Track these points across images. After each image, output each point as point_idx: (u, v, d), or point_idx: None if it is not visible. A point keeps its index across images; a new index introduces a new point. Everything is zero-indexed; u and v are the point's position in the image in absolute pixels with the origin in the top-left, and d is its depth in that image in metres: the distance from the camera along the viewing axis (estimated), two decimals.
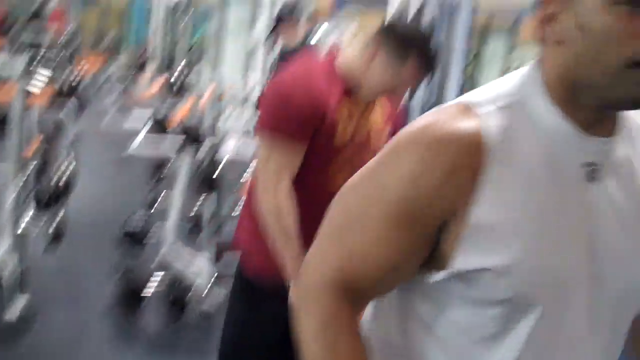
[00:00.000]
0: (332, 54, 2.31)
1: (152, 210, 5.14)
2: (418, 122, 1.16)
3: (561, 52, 1.12)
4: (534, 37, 1.15)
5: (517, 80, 1.19)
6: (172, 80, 6.00)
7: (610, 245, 1.16)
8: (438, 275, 1.16)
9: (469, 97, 1.18)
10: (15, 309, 3.59)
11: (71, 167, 4.69)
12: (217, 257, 4.30)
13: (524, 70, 1.20)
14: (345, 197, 1.23)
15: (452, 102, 1.18)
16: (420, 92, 7.24)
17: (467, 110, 1.13)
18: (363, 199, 1.18)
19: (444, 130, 1.11)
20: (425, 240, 1.15)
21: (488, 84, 1.22)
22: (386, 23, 2.24)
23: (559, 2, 1.10)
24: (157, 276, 4.18)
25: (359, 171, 1.23)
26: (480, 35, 9.11)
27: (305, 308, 1.22)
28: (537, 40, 1.15)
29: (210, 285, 4.12)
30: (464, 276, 1.12)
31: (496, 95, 1.16)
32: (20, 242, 3.83)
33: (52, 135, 4.74)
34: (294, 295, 1.32)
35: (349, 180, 1.24)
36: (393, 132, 2.08)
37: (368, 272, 1.18)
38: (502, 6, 8.20)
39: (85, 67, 9.88)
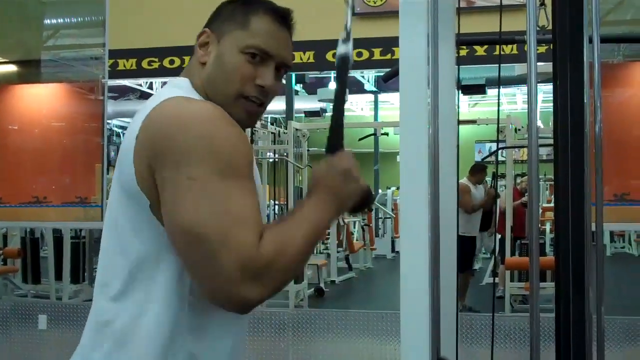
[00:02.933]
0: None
1: None
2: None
3: (203, 72, 1.62)
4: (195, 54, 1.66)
5: (183, 86, 1.62)
6: None
7: None
8: None
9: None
10: None
11: None
12: None
13: (178, 80, 1.65)
14: None
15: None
16: None
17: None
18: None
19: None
20: None
21: (162, 92, 1.60)
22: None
23: (212, 35, 1.63)
24: None
25: None
26: None
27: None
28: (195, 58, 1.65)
29: None
30: None
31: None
32: None
33: None
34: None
35: None
36: None
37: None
38: None
39: None
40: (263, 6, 1.64)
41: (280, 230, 1.45)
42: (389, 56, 6.42)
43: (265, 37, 1.61)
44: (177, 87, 1.62)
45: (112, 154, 18.55)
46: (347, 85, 1.67)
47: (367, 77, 17.78)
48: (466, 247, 8.18)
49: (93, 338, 1.57)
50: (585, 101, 1.75)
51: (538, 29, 1.85)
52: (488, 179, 10.53)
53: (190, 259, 1.42)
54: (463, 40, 2.34)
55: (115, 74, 6.61)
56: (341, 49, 1.68)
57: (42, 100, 6.27)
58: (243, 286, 1.36)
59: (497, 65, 2.57)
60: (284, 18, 1.65)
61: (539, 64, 1.76)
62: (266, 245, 1.39)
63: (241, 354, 1.66)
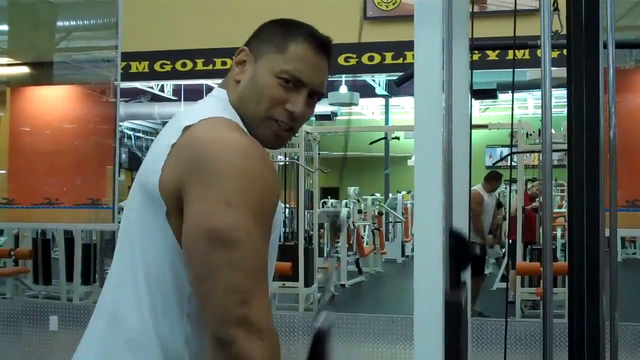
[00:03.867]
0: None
1: None
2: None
3: (236, 89, 1.65)
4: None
5: (221, 98, 1.66)
6: None
7: None
8: None
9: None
10: None
11: None
12: None
13: (217, 91, 1.68)
14: None
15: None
16: None
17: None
18: None
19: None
20: None
21: (202, 104, 1.66)
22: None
23: (249, 55, 1.66)
24: None
25: None
26: None
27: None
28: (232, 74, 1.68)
29: None
30: None
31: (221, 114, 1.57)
32: None
33: None
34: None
35: None
36: None
37: None
38: None
39: None
40: (303, 32, 1.66)
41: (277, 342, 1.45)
42: (400, 60, 6.43)
43: (301, 64, 1.63)
44: (216, 98, 1.66)
45: (124, 156, 18.65)
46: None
47: (378, 81, 17.78)
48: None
49: (103, 339, 1.57)
50: (600, 106, 1.75)
51: (552, 34, 1.84)
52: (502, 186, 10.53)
53: (207, 264, 1.41)
54: (477, 45, 2.34)
55: (127, 76, 6.64)
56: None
57: (54, 102, 6.29)
58: (244, 321, 1.37)
59: (508, 70, 2.56)
60: (322, 46, 1.67)
61: (552, 69, 1.76)
62: (273, 325, 1.42)
63: None
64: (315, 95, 1.68)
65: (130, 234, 1.57)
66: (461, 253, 1.69)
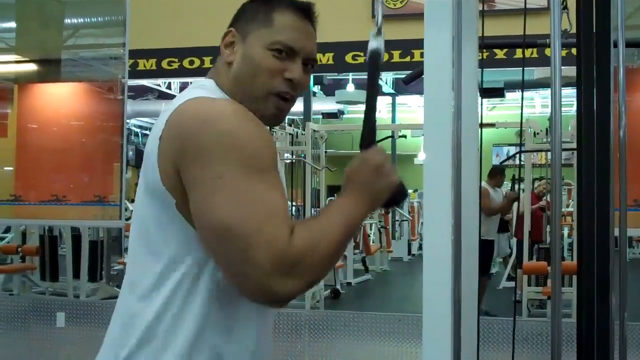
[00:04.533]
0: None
1: None
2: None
3: (229, 71, 1.64)
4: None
5: (208, 87, 1.63)
6: None
7: None
8: None
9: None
10: None
11: None
12: None
13: (203, 81, 1.68)
14: None
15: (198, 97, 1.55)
16: None
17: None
18: None
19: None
20: None
21: (186, 92, 1.61)
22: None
23: (237, 35, 1.65)
24: None
25: None
26: None
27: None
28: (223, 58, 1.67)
29: None
30: None
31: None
32: None
33: None
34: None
35: None
36: None
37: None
38: None
39: None
40: (285, 2, 1.67)
41: (313, 225, 1.46)
42: (408, 58, 6.42)
43: (290, 33, 1.63)
44: (201, 88, 1.64)
45: (131, 153, 18.67)
46: (378, 82, 1.68)
47: (385, 79, 17.76)
48: (484, 251, 8.16)
49: (120, 335, 1.57)
50: (611, 106, 1.74)
51: (561, 32, 1.84)
52: (507, 183, 10.50)
53: (223, 255, 1.43)
54: (486, 44, 2.33)
55: (135, 73, 6.64)
56: (372, 43, 1.70)
57: (61, 99, 6.30)
58: (277, 280, 1.37)
59: (515, 68, 2.56)
60: (306, 12, 1.68)
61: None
62: (298, 239, 1.40)
63: (266, 353, 1.66)
64: (309, 64, 1.69)
65: (144, 232, 1.57)
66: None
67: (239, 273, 1.41)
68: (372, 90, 1.67)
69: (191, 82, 1.75)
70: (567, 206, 11.85)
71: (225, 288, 1.51)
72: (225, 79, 1.66)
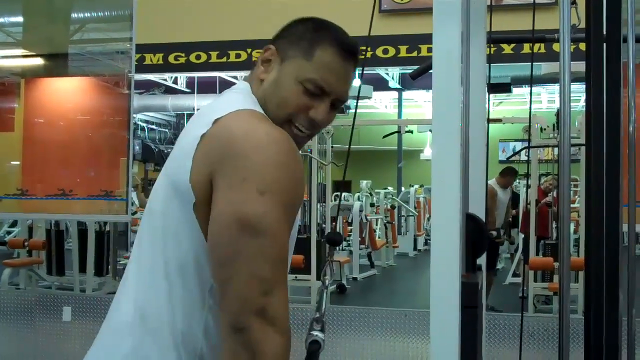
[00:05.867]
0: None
1: None
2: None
3: (260, 87, 1.65)
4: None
5: (244, 91, 1.65)
6: None
7: None
8: None
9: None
10: None
11: None
12: None
13: (242, 85, 1.68)
14: None
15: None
16: None
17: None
18: None
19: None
20: None
21: (228, 97, 1.63)
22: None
23: (275, 55, 1.64)
24: None
25: None
26: None
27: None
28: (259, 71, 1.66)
29: None
30: None
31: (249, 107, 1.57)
32: None
33: None
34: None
35: None
36: None
37: None
38: None
39: None
40: (330, 37, 1.64)
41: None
42: (414, 53, 6.40)
43: (326, 73, 1.62)
44: (242, 92, 1.65)
45: (137, 147, 18.69)
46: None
47: (392, 74, 17.74)
48: (490, 247, 8.15)
49: (128, 331, 1.58)
50: (620, 101, 1.73)
51: (570, 27, 1.83)
52: (516, 183, 10.49)
53: (234, 250, 1.42)
54: (494, 39, 2.32)
55: (141, 68, 6.64)
56: (311, 335, 1.72)
57: (68, 94, 6.31)
58: (257, 309, 1.38)
59: (522, 63, 2.55)
60: (350, 53, 1.66)
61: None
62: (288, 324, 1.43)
63: None
64: (338, 103, 1.68)
65: (154, 227, 1.58)
66: (477, 238, 1.68)
67: (241, 274, 1.41)
68: None
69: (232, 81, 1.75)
70: (574, 202, 11.83)
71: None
72: (256, 91, 1.66)
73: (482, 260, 1.89)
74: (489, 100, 2.20)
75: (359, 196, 15.07)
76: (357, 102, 2.36)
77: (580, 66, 1.88)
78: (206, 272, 1.50)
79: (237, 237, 1.41)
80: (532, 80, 2.63)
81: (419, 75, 2.92)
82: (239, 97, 1.62)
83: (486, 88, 2.12)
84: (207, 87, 15.63)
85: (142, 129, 22.26)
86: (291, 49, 1.64)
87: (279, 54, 1.65)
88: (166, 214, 1.54)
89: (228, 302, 1.42)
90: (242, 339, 1.39)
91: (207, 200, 1.47)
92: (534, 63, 2.58)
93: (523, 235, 9.87)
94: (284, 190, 1.43)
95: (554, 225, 9.13)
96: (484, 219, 2.05)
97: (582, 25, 1.97)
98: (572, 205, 11.39)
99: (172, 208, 1.52)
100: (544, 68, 9.94)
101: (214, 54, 6.75)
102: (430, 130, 1.62)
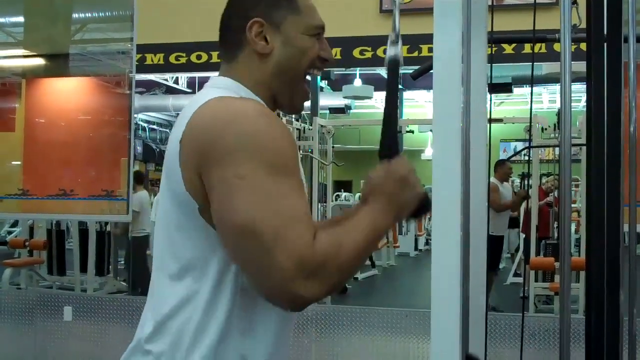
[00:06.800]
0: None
1: None
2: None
3: (263, 62, 1.63)
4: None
5: (228, 86, 1.61)
6: None
7: None
8: None
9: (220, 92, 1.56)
10: None
11: None
12: None
13: (220, 80, 1.65)
14: None
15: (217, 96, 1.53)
16: None
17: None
18: None
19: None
20: None
21: (203, 92, 1.60)
22: None
23: (267, 25, 1.62)
24: None
25: None
26: None
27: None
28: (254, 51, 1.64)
29: None
30: None
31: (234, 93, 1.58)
32: None
33: None
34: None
35: None
36: None
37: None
38: None
39: None
40: None
41: (337, 232, 1.46)
42: (416, 53, 6.40)
43: (316, 14, 1.70)
44: (219, 88, 1.62)
45: (138, 148, 18.70)
46: (397, 90, 1.69)
47: None
48: (493, 247, 8.14)
49: (149, 337, 1.57)
50: (621, 101, 1.73)
51: (571, 27, 1.83)
52: (513, 178, 10.46)
53: (244, 257, 1.42)
54: (495, 39, 2.32)
55: (142, 68, 6.64)
56: (390, 51, 1.69)
57: (69, 94, 6.31)
58: (299, 283, 1.36)
59: (523, 63, 2.55)
60: None
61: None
62: (322, 244, 1.39)
63: (284, 356, 1.66)
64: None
65: (166, 237, 1.57)
66: None
67: (261, 275, 1.41)
68: (392, 99, 1.66)
69: (207, 81, 1.74)
70: (574, 202, 11.83)
71: (248, 292, 1.52)
72: (258, 70, 1.65)
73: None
74: (490, 100, 2.20)
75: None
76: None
77: (581, 66, 1.88)
78: (225, 270, 1.50)
79: (240, 245, 1.42)
80: (532, 81, 2.63)
81: (420, 76, 2.92)
82: (214, 89, 1.61)
83: (487, 88, 2.11)
84: None
85: (144, 129, 22.27)
86: (276, 12, 1.65)
87: (269, 23, 1.65)
88: (173, 221, 1.54)
89: (268, 291, 1.43)
90: (309, 303, 1.42)
91: (207, 201, 1.46)
92: (535, 63, 2.58)
93: (524, 235, 9.86)
94: (264, 158, 1.41)
95: (555, 225, 9.13)
96: (486, 220, 2.05)
97: (583, 25, 1.97)
98: (573, 205, 11.41)
99: (179, 217, 1.52)
100: (545, 68, 9.94)
101: (214, 54, 6.75)
102: (431, 131, 1.61)
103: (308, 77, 1.70)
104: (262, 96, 1.64)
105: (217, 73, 1.72)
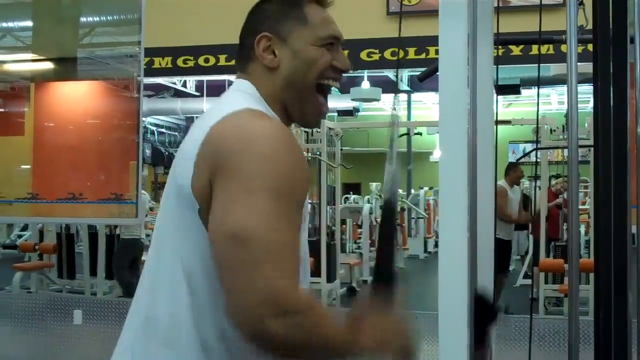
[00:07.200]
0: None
1: None
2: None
3: (275, 76, 1.62)
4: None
5: (247, 98, 1.59)
6: None
7: None
8: None
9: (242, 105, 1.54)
10: None
11: None
12: None
13: (243, 84, 1.64)
14: None
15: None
16: None
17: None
18: None
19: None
20: None
21: (227, 100, 1.61)
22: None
23: (274, 39, 1.62)
24: None
25: None
26: None
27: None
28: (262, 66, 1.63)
29: None
30: None
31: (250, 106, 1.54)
32: None
33: None
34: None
35: None
36: None
37: None
38: None
39: None
40: None
41: (322, 310, 1.45)
42: (423, 55, 6.40)
43: (328, 24, 1.67)
44: (244, 93, 1.63)
45: (147, 151, 18.74)
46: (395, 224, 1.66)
47: (401, 76, 17.71)
48: (502, 249, 8.10)
49: (136, 336, 1.58)
50: (627, 102, 1.73)
51: (577, 28, 1.83)
52: (524, 181, 10.42)
53: (229, 264, 1.40)
54: (501, 40, 2.32)
55: (150, 71, 6.66)
56: (386, 194, 1.65)
57: (77, 98, 6.32)
58: (267, 313, 1.34)
59: (531, 65, 2.54)
60: (326, 0, 1.70)
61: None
62: (307, 298, 1.40)
63: None
64: (341, 44, 1.71)
65: (164, 233, 1.58)
66: (485, 313, 1.67)
67: (237, 290, 1.38)
68: (388, 239, 1.64)
69: (230, 82, 1.73)
70: (584, 204, 11.79)
71: None
72: (268, 84, 1.65)
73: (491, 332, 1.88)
74: (496, 101, 2.20)
75: (368, 199, 15.06)
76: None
77: (590, 67, 1.87)
78: (215, 276, 1.49)
79: (230, 254, 1.40)
80: (539, 82, 2.63)
81: (426, 78, 2.92)
82: (237, 98, 1.61)
83: (494, 90, 2.11)
84: (217, 90, 15.64)
85: (152, 132, 22.32)
86: (283, 25, 1.65)
87: (277, 37, 1.64)
88: (174, 221, 1.55)
89: (234, 307, 1.41)
90: (257, 338, 1.39)
91: (209, 205, 1.46)
92: (543, 64, 2.57)
93: (533, 237, 9.83)
94: (275, 182, 1.41)
95: (565, 226, 9.09)
96: (493, 221, 2.05)
97: (590, 26, 1.96)
98: (582, 207, 11.38)
99: (180, 214, 1.53)
100: (553, 69, 9.92)
101: (222, 57, 6.76)
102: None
103: (327, 90, 1.68)
104: (275, 109, 1.64)
105: (224, 76, 1.73)
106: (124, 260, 8.81)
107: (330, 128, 9.42)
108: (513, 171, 8.90)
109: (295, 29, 1.64)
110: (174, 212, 1.54)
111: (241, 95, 1.62)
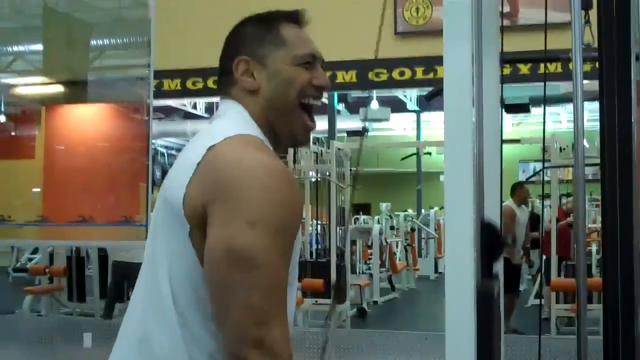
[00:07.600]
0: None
1: None
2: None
3: (257, 99, 1.64)
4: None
5: (239, 120, 1.61)
6: None
7: None
8: None
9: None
10: None
11: None
12: None
13: (235, 107, 1.65)
14: None
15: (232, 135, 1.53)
16: None
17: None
18: None
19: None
20: None
21: (222, 124, 1.61)
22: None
23: (253, 62, 1.64)
24: None
25: None
26: None
27: None
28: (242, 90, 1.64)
29: None
30: None
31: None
32: None
33: None
34: None
35: None
36: None
37: None
38: None
39: None
40: (279, 18, 1.70)
41: None
42: (431, 75, 6.41)
43: (302, 43, 1.67)
44: (238, 113, 1.65)
45: (157, 173, 18.80)
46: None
47: (410, 96, 17.75)
48: (511, 269, 8.07)
49: (134, 354, 1.58)
50: (633, 119, 1.73)
51: (583, 46, 1.83)
52: (533, 199, 10.38)
53: (227, 285, 1.41)
54: (507, 59, 2.32)
55: (160, 94, 6.69)
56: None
57: (88, 120, 6.36)
58: (253, 343, 1.37)
59: (540, 83, 2.54)
60: (298, 17, 1.71)
61: (584, 82, 1.75)
62: (290, 352, 1.40)
63: None
64: (322, 62, 1.72)
65: (155, 253, 1.58)
66: (493, 244, 1.67)
67: (228, 309, 1.40)
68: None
69: (218, 104, 1.74)
70: (594, 222, 11.73)
71: None
72: (253, 106, 1.66)
73: (498, 267, 1.87)
74: (502, 120, 2.20)
75: (378, 219, 15.04)
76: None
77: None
78: (206, 300, 1.49)
79: (228, 271, 1.41)
80: (545, 100, 2.63)
81: (433, 98, 2.92)
82: (236, 119, 1.63)
83: (500, 109, 2.11)
84: None
85: (162, 154, 22.39)
86: (261, 48, 1.66)
87: (255, 60, 1.66)
88: (165, 241, 1.55)
89: (226, 334, 1.42)
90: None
91: (201, 228, 1.46)
92: (552, 82, 2.57)
93: (545, 257, 9.79)
94: (275, 217, 1.42)
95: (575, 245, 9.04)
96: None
97: (597, 44, 1.97)
98: (593, 225, 11.33)
99: (170, 234, 1.53)
100: (562, 87, 9.91)
101: None
102: None
103: (310, 107, 1.68)
104: (264, 131, 1.64)
105: None
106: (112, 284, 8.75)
107: (339, 149, 9.43)
108: (521, 190, 8.97)
109: (272, 51, 1.66)
110: (164, 233, 1.55)
111: (238, 117, 1.62)
